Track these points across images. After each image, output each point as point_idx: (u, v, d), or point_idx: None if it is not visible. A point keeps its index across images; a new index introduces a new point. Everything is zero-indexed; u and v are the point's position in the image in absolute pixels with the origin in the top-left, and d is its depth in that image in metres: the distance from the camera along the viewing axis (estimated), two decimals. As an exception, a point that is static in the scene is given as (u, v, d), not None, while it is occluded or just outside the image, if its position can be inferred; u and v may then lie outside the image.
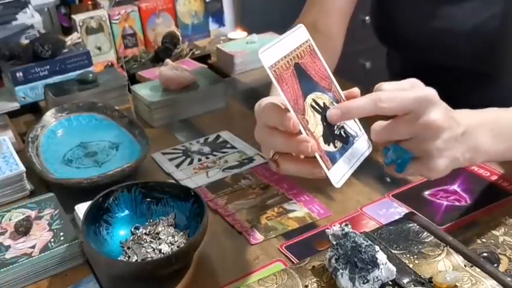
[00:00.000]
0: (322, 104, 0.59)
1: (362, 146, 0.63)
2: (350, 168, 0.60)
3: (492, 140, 0.64)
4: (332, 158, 0.58)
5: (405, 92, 0.58)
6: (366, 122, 0.62)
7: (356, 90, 0.63)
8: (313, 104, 0.58)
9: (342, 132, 0.61)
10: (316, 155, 0.57)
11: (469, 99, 0.94)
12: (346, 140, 0.61)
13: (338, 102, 0.61)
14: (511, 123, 0.66)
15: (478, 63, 0.94)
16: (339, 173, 0.58)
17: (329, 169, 0.57)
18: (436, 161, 0.59)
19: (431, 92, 0.58)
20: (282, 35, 0.59)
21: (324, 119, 0.59)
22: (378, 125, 0.59)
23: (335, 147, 0.59)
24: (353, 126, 0.63)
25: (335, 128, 0.60)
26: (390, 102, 0.57)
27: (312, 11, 1.02)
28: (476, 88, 0.99)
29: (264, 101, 0.63)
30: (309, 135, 0.56)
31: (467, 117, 0.63)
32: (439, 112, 0.57)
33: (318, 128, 0.58)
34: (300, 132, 0.56)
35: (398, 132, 0.58)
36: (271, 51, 0.56)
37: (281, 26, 1.59)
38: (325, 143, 0.58)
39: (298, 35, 0.60)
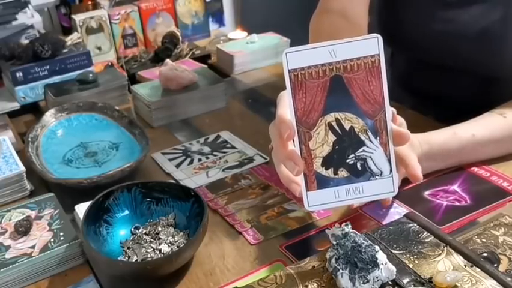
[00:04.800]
0: (347, 127, 0.53)
1: (381, 187, 0.57)
2: (341, 201, 0.56)
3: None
4: (322, 182, 0.54)
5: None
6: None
7: (406, 134, 0.57)
8: (334, 123, 0.53)
9: (359, 165, 0.55)
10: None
11: (471, 100, 0.95)
12: (359, 174, 0.55)
13: (375, 133, 0.55)
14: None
15: (481, 66, 0.94)
16: (318, 199, 0.54)
17: (308, 190, 0.54)
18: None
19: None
20: (347, 38, 0.51)
21: (338, 142, 0.54)
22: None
23: (336, 174, 0.54)
24: (381, 164, 0.56)
25: (351, 156, 0.54)
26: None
27: None
28: (478, 90, 1.00)
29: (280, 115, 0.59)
30: (304, 151, 0.53)
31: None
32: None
33: (322, 148, 0.53)
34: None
35: None
36: (302, 54, 0.50)
37: (281, 26, 1.60)
38: (322, 166, 0.54)
39: (365, 45, 0.52)
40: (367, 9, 1.01)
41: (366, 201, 0.58)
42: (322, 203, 0.55)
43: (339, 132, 0.53)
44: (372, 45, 0.52)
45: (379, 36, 0.52)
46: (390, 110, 0.55)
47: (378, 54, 0.52)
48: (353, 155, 0.54)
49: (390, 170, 0.57)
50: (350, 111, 0.53)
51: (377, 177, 0.56)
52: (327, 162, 0.54)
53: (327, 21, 0.98)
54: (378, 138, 0.55)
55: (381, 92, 0.54)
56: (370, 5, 1.02)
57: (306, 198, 0.54)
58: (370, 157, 0.55)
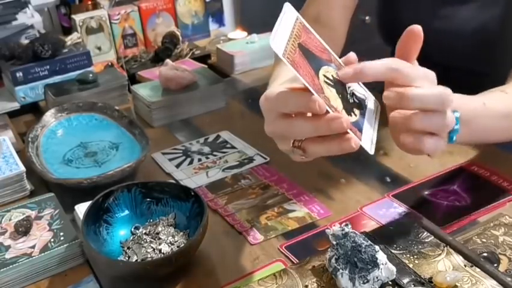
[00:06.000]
0: (331, 77, 0.58)
1: (373, 105, 0.63)
2: (374, 131, 0.60)
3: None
4: (358, 127, 0.58)
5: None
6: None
7: (352, 54, 0.62)
8: (325, 79, 0.57)
9: (355, 99, 0.60)
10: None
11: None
12: (360, 106, 0.60)
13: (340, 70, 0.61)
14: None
15: (479, 63, 0.94)
16: (368, 140, 0.58)
17: (360, 139, 0.57)
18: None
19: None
20: (278, 20, 0.57)
21: (338, 91, 0.58)
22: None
23: (356, 115, 0.59)
24: (359, 90, 0.62)
25: (349, 97, 0.59)
26: (404, 73, 0.60)
27: (315, 4, 1.02)
28: (477, 88, 1.00)
29: (273, 91, 0.60)
30: (335, 112, 0.56)
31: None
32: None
33: (337, 102, 0.57)
34: (325, 112, 0.55)
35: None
36: (278, 38, 0.54)
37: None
38: (348, 115, 0.57)
39: (289, 15, 0.58)
40: (345, 13, 1.02)
41: (378, 122, 0.63)
42: (371, 140, 0.59)
43: (332, 83, 0.58)
44: (291, 14, 0.59)
45: (287, 3, 0.59)
46: (331, 50, 0.62)
47: (298, 16, 0.59)
48: (348, 95, 0.60)
49: (365, 90, 0.64)
50: (322, 65, 0.59)
51: (366, 101, 0.62)
52: (347, 110, 0.58)
53: None
54: None
55: (319, 40, 0.61)
56: (367, 5, 1.02)
57: (365, 145, 0.57)
58: (353, 89, 0.61)
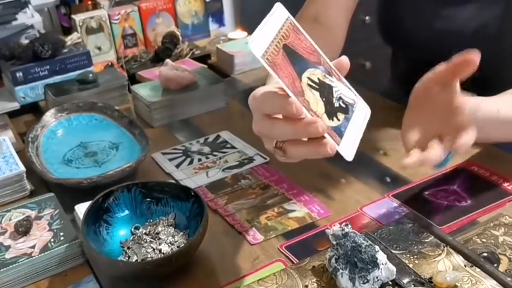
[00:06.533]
0: (317, 80, 0.58)
1: (361, 111, 0.62)
2: (356, 138, 0.59)
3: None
4: (339, 133, 0.57)
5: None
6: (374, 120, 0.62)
7: (344, 58, 0.62)
8: (310, 82, 0.57)
9: (341, 103, 0.60)
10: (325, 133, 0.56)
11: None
12: (346, 110, 0.60)
13: (329, 74, 0.60)
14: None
15: (479, 64, 0.94)
16: (348, 146, 0.58)
17: (338, 145, 0.57)
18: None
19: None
20: (264, 19, 0.57)
21: (322, 94, 0.58)
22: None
23: (338, 120, 0.58)
24: (348, 94, 0.62)
25: (334, 101, 0.59)
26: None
27: (314, 4, 1.02)
28: (477, 89, 1.00)
29: (259, 91, 0.60)
30: (314, 116, 0.55)
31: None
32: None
33: (319, 106, 0.57)
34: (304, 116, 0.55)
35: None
36: (259, 39, 0.54)
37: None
38: (329, 119, 0.57)
39: (278, 15, 0.58)
40: (345, 13, 1.01)
41: (364, 129, 0.62)
42: (352, 146, 0.58)
43: (317, 86, 0.58)
44: (282, 12, 0.58)
45: (279, 3, 0.59)
46: (322, 52, 0.62)
47: (289, 16, 0.59)
48: (333, 99, 0.59)
49: (355, 95, 0.62)
50: (308, 67, 0.58)
51: (354, 106, 0.61)
52: (328, 114, 0.58)
53: None
54: (333, 77, 0.61)
55: (309, 42, 0.60)
56: (366, 5, 1.02)
57: (343, 151, 0.57)
58: (341, 93, 0.60)
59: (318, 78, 0.58)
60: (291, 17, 0.60)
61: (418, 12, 0.98)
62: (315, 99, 0.57)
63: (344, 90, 0.61)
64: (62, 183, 0.90)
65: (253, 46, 0.53)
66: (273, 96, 0.57)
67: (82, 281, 0.73)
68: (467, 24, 0.92)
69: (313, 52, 0.60)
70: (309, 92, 0.56)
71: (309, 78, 0.57)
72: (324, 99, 0.58)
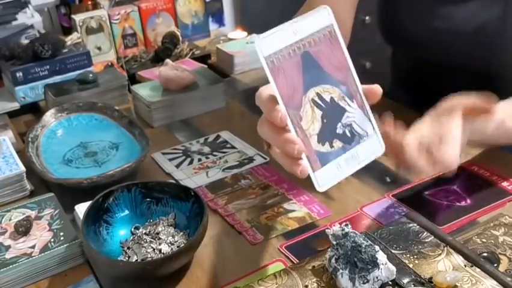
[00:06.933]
0: (328, 99, 0.55)
1: (371, 147, 0.58)
2: (344, 172, 0.56)
3: None
4: (323, 159, 0.54)
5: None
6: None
7: (376, 87, 0.59)
8: (316, 98, 0.54)
9: (347, 131, 0.56)
10: (303, 154, 0.53)
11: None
12: (350, 140, 0.56)
13: (351, 97, 0.56)
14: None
15: (479, 63, 0.94)
16: (326, 176, 0.55)
17: (314, 171, 0.54)
18: None
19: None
20: (300, 16, 0.53)
21: (325, 115, 0.55)
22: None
23: (332, 147, 0.55)
24: (363, 124, 0.58)
25: (339, 126, 0.56)
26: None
27: None
28: (478, 88, 1.00)
29: (263, 89, 0.59)
30: (299, 133, 0.53)
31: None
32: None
33: (313, 126, 0.54)
34: (288, 128, 0.53)
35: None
36: (272, 38, 0.51)
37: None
38: (318, 143, 0.54)
39: (318, 19, 0.54)
40: (351, 6, 1.01)
41: (362, 166, 0.59)
42: (331, 178, 0.55)
43: (323, 105, 0.55)
44: (325, 17, 0.55)
45: (327, 7, 0.56)
46: (355, 72, 0.58)
47: (332, 24, 0.55)
48: (340, 124, 0.56)
49: (373, 128, 0.59)
50: (325, 83, 0.55)
51: (364, 138, 0.58)
52: (321, 137, 0.54)
53: None
54: (354, 101, 0.57)
55: (344, 57, 0.56)
56: (362, 5, 1.02)
57: (315, 179, 0.54)
58: (354, 121, 0.57)
59: (332, 98, 0.55)
60: (335, 26, 0.56)
61: (417, 12, 0.99)
62: (312, 118, 0.54)
63: (359, 119, 0.57)
64: (62, 183, 0.90)
65: (261, 45, 0.51)
66: (266, 98, 0.56)
67: (82, 281, 0.73)
68: (466, 24, 0.92)
69: (342, 69, 0.56)
70: (309, 109, 0.54)
71: (318, 94, 0.54)
72: (325, 120, 0.55)
